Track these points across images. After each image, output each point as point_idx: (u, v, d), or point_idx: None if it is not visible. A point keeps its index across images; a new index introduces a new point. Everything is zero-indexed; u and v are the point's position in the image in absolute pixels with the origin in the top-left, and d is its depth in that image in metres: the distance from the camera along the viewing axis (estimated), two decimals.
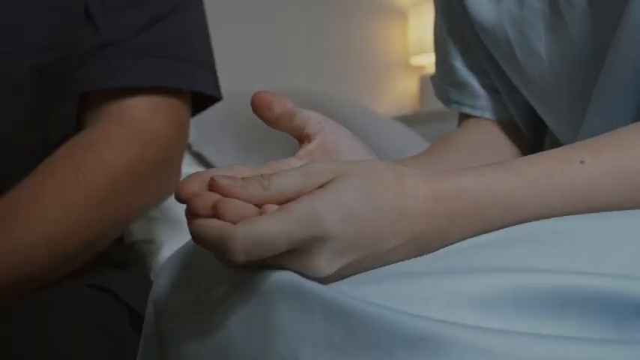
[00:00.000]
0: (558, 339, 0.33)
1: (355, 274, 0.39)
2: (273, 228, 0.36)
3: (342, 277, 0.39)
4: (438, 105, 0.80)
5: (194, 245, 0.48)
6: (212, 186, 0.39)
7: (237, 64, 2.03)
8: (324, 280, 0.38)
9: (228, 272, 0.42)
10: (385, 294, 0.36)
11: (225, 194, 0.38)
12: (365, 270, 0.39)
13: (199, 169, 1.38)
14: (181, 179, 0.80)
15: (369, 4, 2.54)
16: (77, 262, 0.73)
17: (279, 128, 0.46)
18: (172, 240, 1.00)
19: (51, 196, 0.70)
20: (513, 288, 0.35)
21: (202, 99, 0.84)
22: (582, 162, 0.42)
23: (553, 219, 0.41)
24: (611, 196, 0.42)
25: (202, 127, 1.44)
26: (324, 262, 0.38)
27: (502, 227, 0.41)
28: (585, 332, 0.35)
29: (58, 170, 0.71)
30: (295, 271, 0.38)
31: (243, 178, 0.39)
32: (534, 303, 0.35)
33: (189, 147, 1.45)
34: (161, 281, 0.49)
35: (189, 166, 1.19)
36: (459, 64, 0.73)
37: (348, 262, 0.38)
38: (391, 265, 0.39)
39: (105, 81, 0.76)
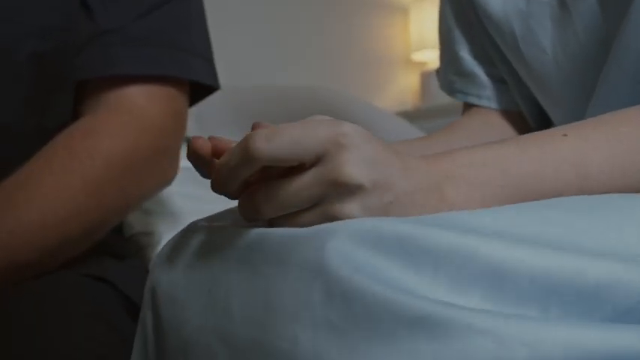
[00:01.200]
0: (567, 323, 0.32)
1: (387, 199, 0.39)
2: (295, 124, 0.39)
3: (375, 185, 0.38)
4: (439, 101, 0.80)
5: (190, 230, 0.48)
6: None
7: (237, 63, 2.03)
8: (361, 188, 0.38)
9: (227, 253, 0.41)
10: (397, 245, 0.35)
11: None
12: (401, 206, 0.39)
13: None
14: (179, 172, 0.81)
15: (371, 1, 2.54)
16: (75, 249, 0.72)
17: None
18: (171, 232, 0.99)
19: (48, 182, 0.69)
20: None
21: (200, 88, 0.84)
22: (565, 135, 0.43)
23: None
24: (602, 170, 0.42)
25: (202, 122, 1.44)
26: (356, 169, 0.38)
27: (502, 194, 0.41)
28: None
29: (55, 157, 0.71)
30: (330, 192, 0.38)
31: None
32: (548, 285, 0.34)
33: (189, 141, 1.44)
34: (158, 266, 0.49)
35: (188, 161, 1.19)
36: (465, 53, 0.72)
37: (378, 175, 0.38)
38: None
39: (103, 69, 0.76)
